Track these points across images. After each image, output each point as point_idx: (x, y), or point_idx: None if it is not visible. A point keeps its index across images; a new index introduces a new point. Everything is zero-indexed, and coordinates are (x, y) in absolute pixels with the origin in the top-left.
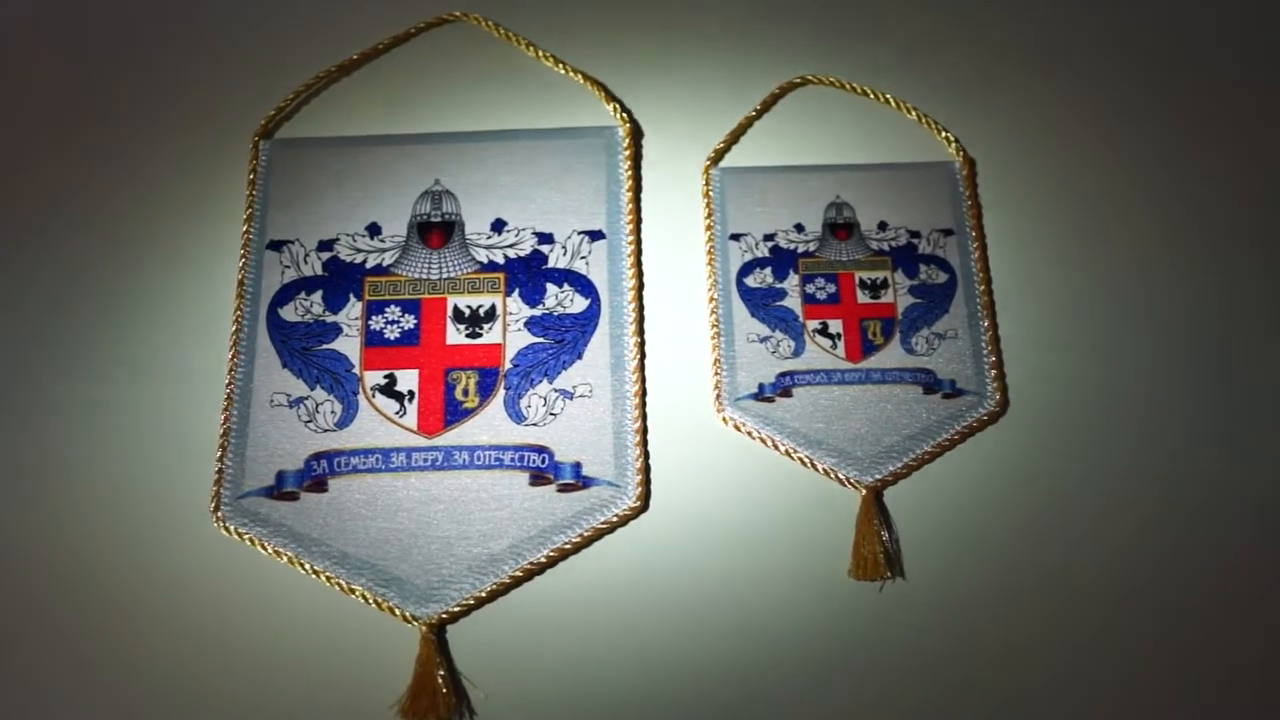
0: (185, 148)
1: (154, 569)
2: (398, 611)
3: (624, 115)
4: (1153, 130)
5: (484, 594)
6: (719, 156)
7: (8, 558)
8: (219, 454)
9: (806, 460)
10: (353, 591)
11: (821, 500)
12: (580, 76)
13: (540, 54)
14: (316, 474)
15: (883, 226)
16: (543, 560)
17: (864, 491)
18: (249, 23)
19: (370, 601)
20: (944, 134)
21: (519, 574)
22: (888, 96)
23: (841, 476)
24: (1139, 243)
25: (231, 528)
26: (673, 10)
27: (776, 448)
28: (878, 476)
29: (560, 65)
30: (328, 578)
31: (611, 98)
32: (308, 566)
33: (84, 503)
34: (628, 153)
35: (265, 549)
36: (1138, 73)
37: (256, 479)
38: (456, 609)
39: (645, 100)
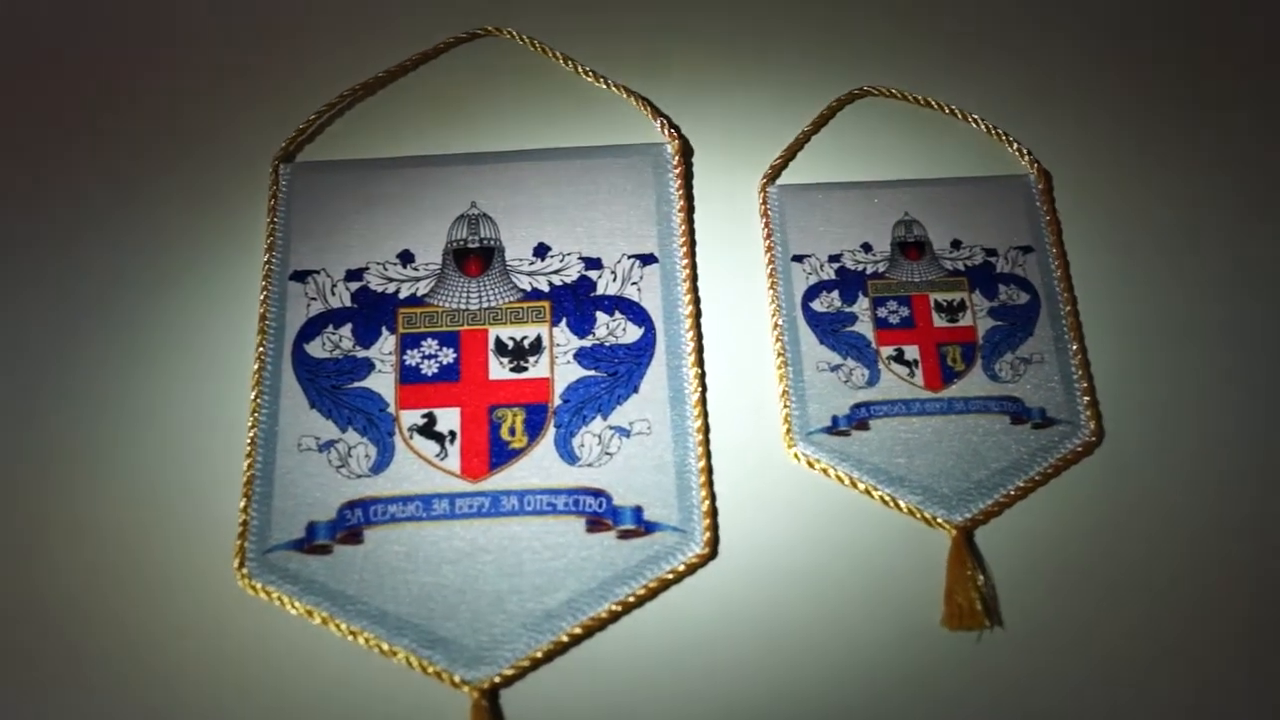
0: (199, 173)
1: (172, 632)
2: (445, 675)
3: (672, 131)
4: (1242, 133)
5: (540, 654)
6: (775, 173)
7: (11, 618)
8: (243, 504)
9: (888, 499)
10: (394, 654)
11: (907, 542)
12: (623, 92)
13: (579, 69)
14: (351, 524)
15: (956, 245)
16: (604, 615)
17: (954, 532)
18: (266, 40)
19: (414, 665)
20: (1015, 146)
21: (578, 630)
22: (953, 107)
23: (928, 515)
24: (1233, 253)
25: (258, 585)
26: (718, 21)
27: (855, 485)
28: (968, 515)
29: (601, 80)
30: (366, 639)
31: (658, 113)
32: (344, 627)
33: (95, 560)
34: (678, 171)
35: (296, 608)
36: (1223, 74)
37: (285, 531)
38: (510, 671)
39: (693, 115)
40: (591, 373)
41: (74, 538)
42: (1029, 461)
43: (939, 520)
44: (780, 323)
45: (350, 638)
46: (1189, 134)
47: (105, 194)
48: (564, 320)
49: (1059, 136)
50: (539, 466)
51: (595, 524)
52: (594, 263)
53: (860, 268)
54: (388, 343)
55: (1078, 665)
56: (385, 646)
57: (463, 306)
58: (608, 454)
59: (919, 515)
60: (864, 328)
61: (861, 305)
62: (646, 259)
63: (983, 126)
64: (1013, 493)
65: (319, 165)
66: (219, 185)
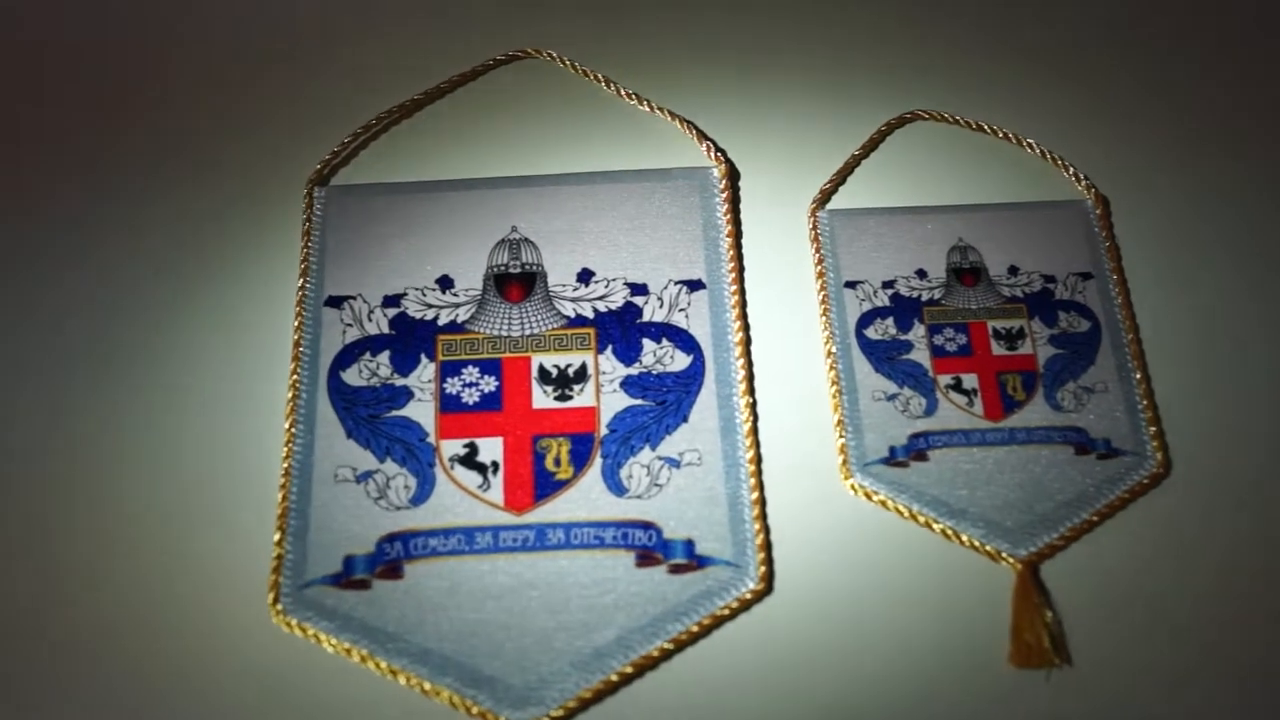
0: (232, 197)
1: (204, 671)
2: (490, 717)
3: (719, 155)
4: None
5: (589, 694)
6: (825, 198)
7: (36, 655)
8: (277, 537)
9: (950, 532)
10: (437, 694)
11: (969, 577)
12: (667, 114)
13: (620, 91)
14: (390, 558)
15: (1014, 271)
16: (655, 653)
17: (1019, 566)
18: (299, 61)
19: (458, 705)
20: (1072, 171)
21: (628, 669)
22: (1006, 131)
23: (991, 550)
24: None
25: (294, 622)
26: (764, 42)
27: (914, 518)
28: (1033, 549)
29: (644, 103)
30: (407, 678)
31: (704, 137)
32: (383, 665)
33: (124, 595)
34: (725, 195)
35: (333, 645)
36: None
37: (321, 565)
38: (558, 712)
39: (740, 138)
40: (639, 401)
41: (102, 571)
42: (1095, 494)
43: (1003, 555)
44: (834, 350)
45: (390, 677)
46: (1247, 157)
47: (134, 218)
48: (609, 347)
49: (1115, 161)
50: (586, 498)
51: (645, 558)
52: (640, 288)
53: (915, 294)
54: (427, 370)
55: (1149, 704)
56: (427, 686)
57: (504, 333)
58: (657, 485)
59: (982, 549)
60: (920, 356)
61: (917, 333)
62: (694, 285)
63: (1037, 151)
64: (1079, 526)
65: (354, 189)
66: (252, 209)
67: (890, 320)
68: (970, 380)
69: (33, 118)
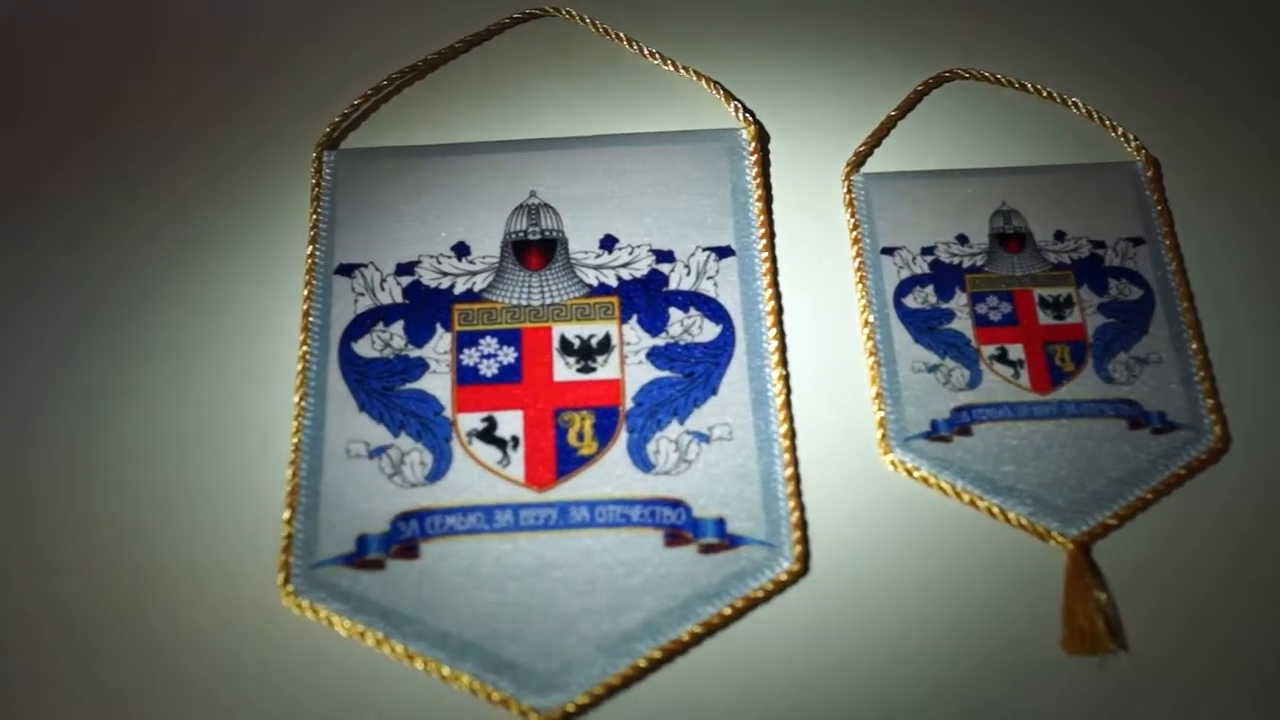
0: (237, 161)
1: (212, 654)
2: (512, 703)
3: (747, 116)
4: None
5: (616, 680)
6: (860, 161)
7: (42, 639)
8: (287, 516)
9: (996, 510)
10: (456, 679)
11: (1018, 558)
12: (693, 74)
13: (644, 50)
14: (405, 537)
15: (1060, 236)
16: (685, 637)
17: (1070, 546)
18: (308, 20)
19: (478, 691)
20: (1120, 131)
21: (657, 654)
22: (1049, 90)
23: (1041, 529)
24: None
25: (305, 603)
26: None
27: (958, 496)
28: (1084, 528)
29: (668, 62)
30: (424, 663)
31: (731, 97)
32: (399, 649)
33: (128, 576)
34: (755, 158)
35: (346, 628)
36: None
37: (333, 544)
38: (584, 699)
39: (769, 99)
40: (665, 373)
41: (104, 553)
42: (1149, 470)
43: (1053, 534)
44: (871, 320)
45: (406, 661)
46: None
47: (134, 185)
48: (634, 317)
49: (1166, 120)
50: (611, 474)
51: (674, 537)
52: (666, 255)
53: (956, 261)
54: (443, 341)
55: (1210, 693)
56: (445, 671)
57: (524, 302)
58: (686, 461)
59: (1030, 528)
60: (962, 325)
61: (959, 301)
62: (723, 252)
63: (1082, 110)
64: (1133, 504)
65: (366, 152)
66: (258, 173)
67: (930, 288)
68: (1016, 351)
69: (35, 85)
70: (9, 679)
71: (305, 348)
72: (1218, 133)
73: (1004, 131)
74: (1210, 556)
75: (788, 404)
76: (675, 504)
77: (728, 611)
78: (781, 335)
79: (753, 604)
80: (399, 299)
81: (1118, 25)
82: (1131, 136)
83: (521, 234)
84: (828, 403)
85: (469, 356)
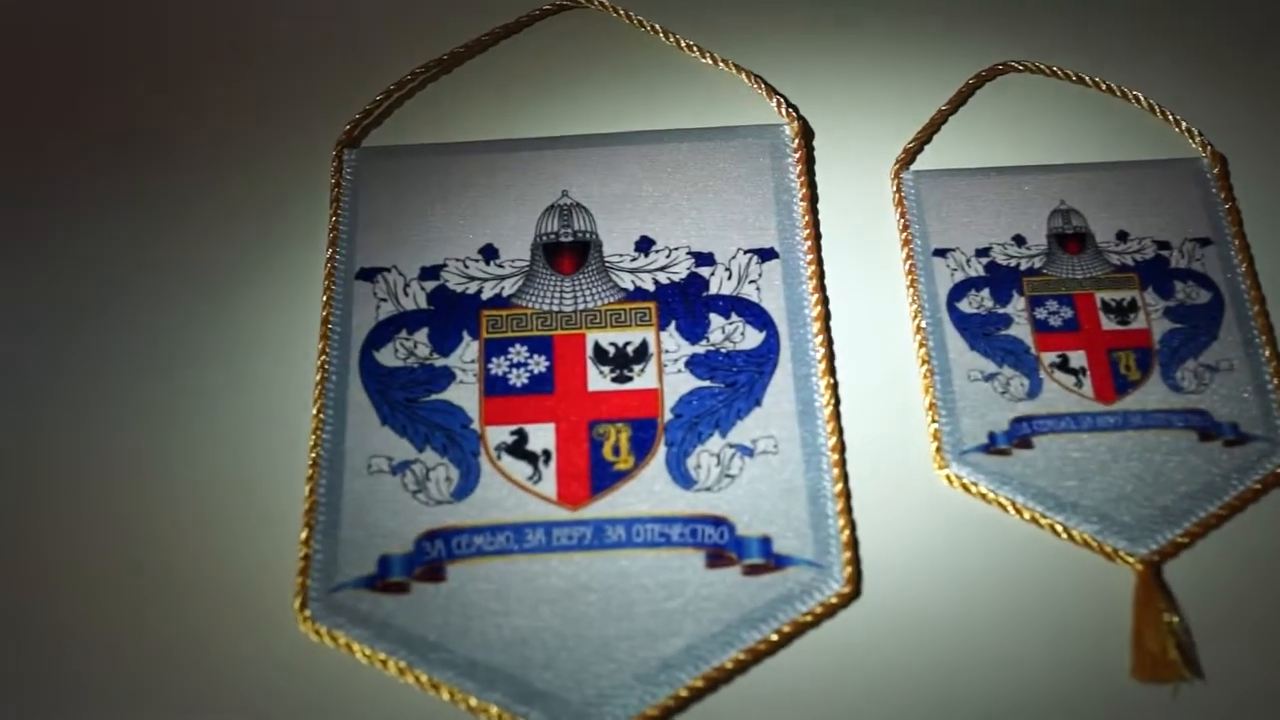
0: (253, 160)
1: (223, 682)
2: None
3: (790, 111)
4: None
5: (654, 711)
6: (909, 158)
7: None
8: (304, 535)
9: (1059, 528)
10: (484, 710)
11: (1083, 578)
12: (732, 68)
13: (680, 42)
14: (431, 558)
15: (1123, 236)
16: (729, 664)
17: (1139, 566)
18: (327, 13)
19: None
20: (1184, 126)
21: (699, 683)
22: (1109, 83)
23: (1108, 548)
24: None
25: (323, 629)
26: None
27: (1019, 513)
28: (1154, 547)
29: (706, 55)
30: (450, 692)
31: (773, 92)
32: (424, 678)
33: (136, 598)
34: (798, 155)
35: (367, 655)
36: None
37: (354, 566)
38: None
39: (813, 94)
40: (706, 383)
41: (110, 574)
42: (1222, 484)
43: (1121, 553)
44: (923, 325)
45: (431, 691)
46: None
47: (146, 186)
48: (672, 323)
49: (1232, 115)
50: (649, 491)
51: (716, 557)
52: (705, 258)
53: (1013, 263)
54: (470, 349)
55: None
56: (473, 701)
57: (555, 308)
58: (728, 476)
59: (1096, 547)
60: (1021, 331)
61: (1016, 305)
62: (766, 254)
63: (1144, 104)
64: (1205, 520)
65: (387, 151)
66: (275, 174)
67: (986, 292)
68: (1078, 358)
69: (52, 81)
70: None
71: (324, 357)
72: None
73: (1061, 126)
74: None
75: (836, 415)
76: (717, 522)
77: (774, 637)
78: (829, 342)
79: (801, 629)
80: (423, 305)
81: (1180, 15)
82: (1196, 131)
83: (553, 236)
84: (878, 414)
85: (498, 366)
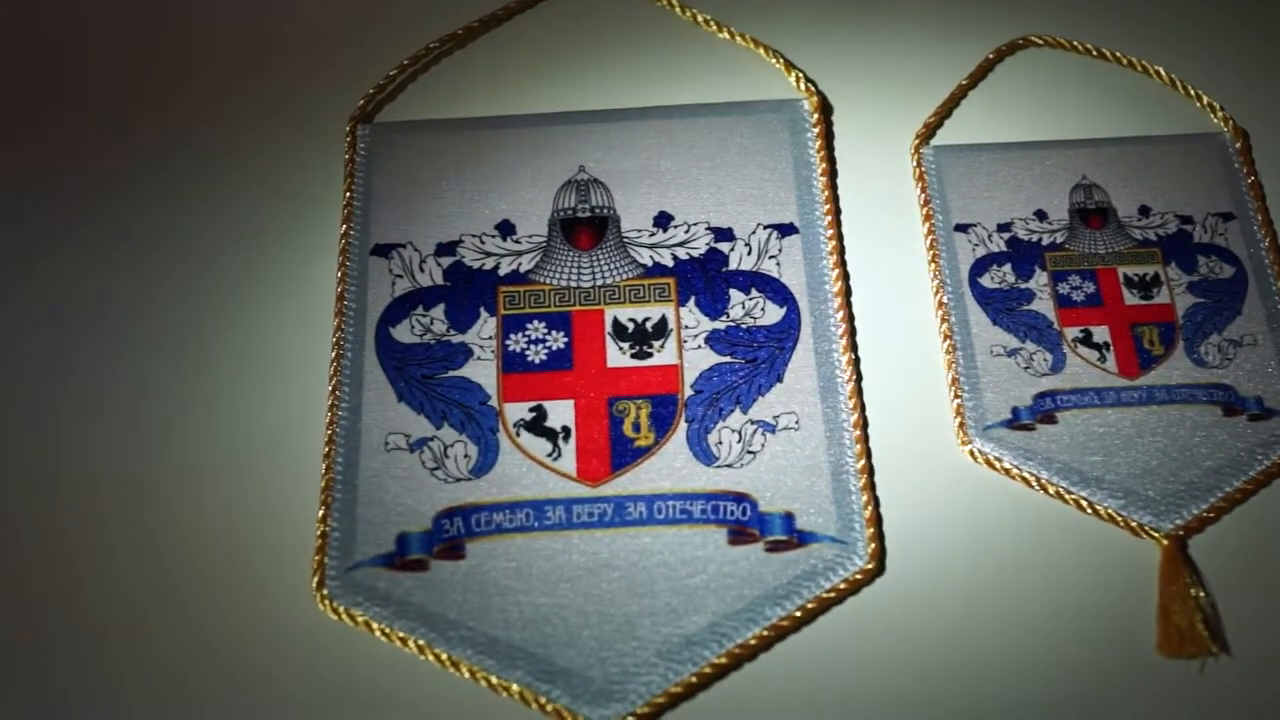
0: (266, 136)
1: (242, 661)
2: (566, 714)
3: (809, 86)
4: None
5: (678, 688)
6: (930, 132)
7: (62, 646)
8: (321, 513)
9: (1084, 503)
10: (505, 688)
11: (1108, 554)
12: (750, 42)
13: (697, 17)
14: (449, 536)
15: (1145, 211)
16: (752, 641)
17: (1164, 541)
18: None
19: (529, 701)
20: (1206, 101)
21: (722, 660)
22: (1130, 58)
23: (1133, 523)
24: None
25: (341, 608)
26: None
27: (1043, 488)
28: (1180, 522)
29: (725, 30)
30: (471, 670)
31: (792, 66)
32: (444, 656)
33: (154, 579)
34: (818, 130)
35: (386, 634)
36: None
37: (372, 544)
38: (644, 709)
39: (832, 68)
40: (727, 359)
41: (127, 554)
42: (1248, 459)
43: (1146, 528)
44: (945, 300)
45: (451, 669)
46: None
47: (162, 163)
48: (692, 299)
49: (1254, 89)
50: (670, 467)
51: (739, 534)
52: (725, 234)
53: (1035, 238)
54: (487, 325)
55: None
56: (494, 679)
57: (574, 284)
58: (750, 452)
59: (1121, 523)
60: (1043, 306)
61: (1039, 280)
62: (785, 229)
63: (1165, 79)
64: (1231, 495)
65: (402, 126)
66: (289, 149)
67: (1008, 267)
68: (1101, 333)
69: (67, 59)
70: (23, 680)
71: (340, 333)
72: None
73: (1083, 101)
74: None
75: (858, 391)
76: (739, 498)
77: (798, 614)
78: (850, 318)
79: (824, 605)
80: (439, 281)
81: None
82: (1218, 106)
83: (570, 211)
84: (901, 389)
85: (515, 342)
